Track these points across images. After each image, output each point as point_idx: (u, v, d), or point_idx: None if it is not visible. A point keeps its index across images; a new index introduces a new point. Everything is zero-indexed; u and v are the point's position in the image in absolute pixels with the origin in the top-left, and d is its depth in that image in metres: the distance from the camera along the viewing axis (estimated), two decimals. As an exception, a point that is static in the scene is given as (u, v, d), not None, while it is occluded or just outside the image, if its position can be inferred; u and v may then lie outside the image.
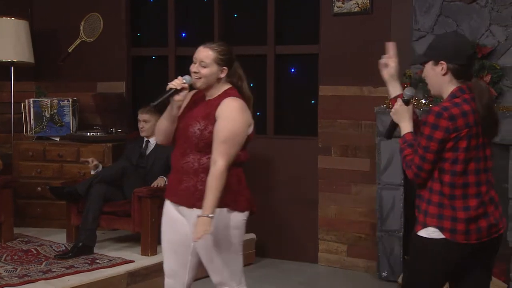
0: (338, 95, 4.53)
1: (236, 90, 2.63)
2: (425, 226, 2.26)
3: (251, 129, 2.60)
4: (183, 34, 5.30)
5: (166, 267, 2.74)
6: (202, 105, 2.62)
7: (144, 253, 4.08)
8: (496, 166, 3.72)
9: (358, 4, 4.41)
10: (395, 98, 2.42)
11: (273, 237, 4.85)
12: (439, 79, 2.28)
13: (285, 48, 4.87)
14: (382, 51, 4.54)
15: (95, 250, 4.14)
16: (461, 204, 2.22)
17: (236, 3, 5.10)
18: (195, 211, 2.50)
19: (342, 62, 4.53)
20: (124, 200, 4.25)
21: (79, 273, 3.70)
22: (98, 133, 4.93)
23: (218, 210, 2.50)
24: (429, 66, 2.31)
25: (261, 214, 4.89)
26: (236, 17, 5.13)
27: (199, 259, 2.68)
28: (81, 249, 4.05)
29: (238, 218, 2.59)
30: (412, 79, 4.15)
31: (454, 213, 2.22)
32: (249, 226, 4.82)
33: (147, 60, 5.48)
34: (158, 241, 4.15)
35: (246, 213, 2.63)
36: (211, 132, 2.51)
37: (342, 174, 4.57)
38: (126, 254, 4.11)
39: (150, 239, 4.08)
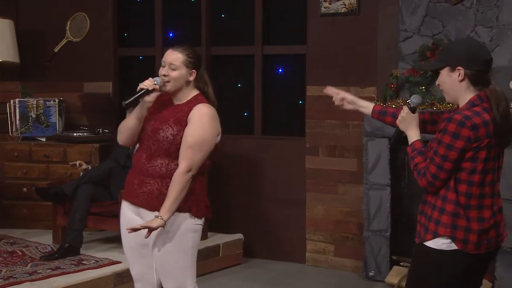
0: (326, 95, 4.52)
1: (203, 96, 2.64)
2: (435, 235, 2.19)
3: (219, 138, 2.63)
4: (170, 34, 5.28)
5: (133, 272, 2.72)
6: (171, 109, 2.59)
7: (131, 254, 4.06)
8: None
9: (345, 4, 4.43)
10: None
11: (261, 237, 4.85)
12: (456, 85, 2.20)
13: (273, 48, 4.88)
14: (370, 52, 4.58)
15: (82, 251, 4.11)
16: (475, 215, 2.18)
17: (224, 3, 5.10)
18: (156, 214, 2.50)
19: (329, 63, 4.54)
20: (111, 201, 4.22)
21: (65, 274, 3.67)
22: (85, 134, 4.91)
23: (180, 214, 2.52)
24: (445, 72, 2.23)
25: (248, 215, 4.93)
26: (224, 17, 5.13)
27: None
28: (67, 250, 4.02)
29: (198, 223, 2.61)
30: (398, 80, 4.18)
31: (468, 224, 2.17)
32: (237, 226, 4.88)
33: (134, 60, 5.46)
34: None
35: (203, 219, 2.65)
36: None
37: (329, 174, 4.58)
38: (113, 255, 4.09)
39: (137, 240, 4.06)
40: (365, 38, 4.38)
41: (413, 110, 2.31)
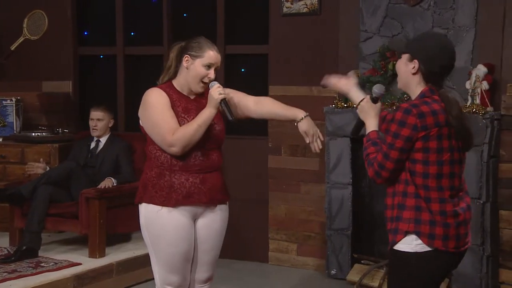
0: (288, 95, 4.56)
1: None
2: (396, 232, 2.14)
3: None
4: (132, 33, 5.23)
5: (176, 279, 2.58)
6: (201, 104, 2.57)
7: (92, 255, 4.00)
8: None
9: (306, 5, 4.46)
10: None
11: (224, 237, 4.83)
12: (409, 76, 2.18)
13: (235, 48, 4.87)
14: (331, 52, 4.62)
15: (40, 253, 4.03)
16: (437, 208, 2.11)
17: (186, 3, 5.07)
18: (221, 206, 2.65)
19: (291, 62, 4.57)
20: (71, 202, 4.15)
21: (23, 277, 3.59)
22: (43, 134, 4.81)
23: (223, 206, 2.67)
24: (404, 59, 2.20)
25: (211, 215, 4.90)
26: (186, 17, 5.10)
27: None
28: (24, 253, 3.93)
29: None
30: (359, 79, 4.23)
31: (432, 216, 2.10)
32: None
33: (95, 59, 5.38)
34: (106, 243, 4.11)
35: None
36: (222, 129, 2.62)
37: (292, 174, 4.61)
38: (73, 256, 4.02)
39: (98, 241, 4.01)
40: (327, 38, 4.42)
41: (374, 100, 2.27)
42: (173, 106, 2.56)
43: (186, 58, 2.60)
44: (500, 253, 3.83)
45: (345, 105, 4.16)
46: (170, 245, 2.54)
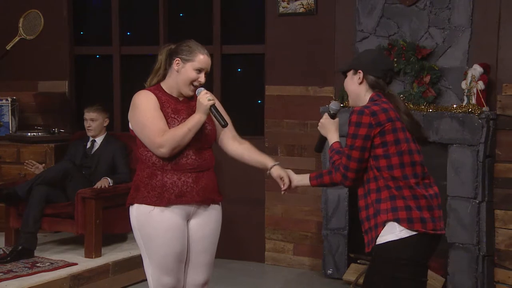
0: (284, 95, 4.57)
1: None
2: (377, 227, 2.25)
3: None
4: (128, 33, 5.22)
5: (170, 279, 2.57)
6: (190, 105, 2.60)
7: (88, 255, 4.00)
8: (435, 164, 3.88)
9: (303, 5, 4.46)
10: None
11: (220, 237, 4.81)
12: (356, 87, 2.40)
13: (231, 47, 4.87)
14: (327, 52, 4.63)
15: (36, 254, 4.02)
16: (409, 193, 2.26)
17: (182, 3, 5.07)
18: (214, 206, 2.63)
19: (288, 62, 4.57)
20: (67, 202, 4.14)
21: (18, 277, 3.58)
22: (39, 134, 4.80)
23: (216, 206, 2.65)
24: (349, 75, 2.43)
25: (208, 214, 4.90)
26: (182, 16, 5.10)
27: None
28: (20, 253, 3.92)
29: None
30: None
31: (405, 202, 2.25)
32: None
33: (91, 59, 5.37)
34: (102, 243, 4.10)
35: None
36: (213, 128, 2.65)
37: (288, 173, 4.60)
38: (69, 256, 4.01)
39: (95, 241, 4.00)
40: (323, 38, 4.42)
41: (332, 116, 2.50)
42: (162, 108, 2.56)
43: (177, 62, 2.60)
44: (495, 252, 3.84)
45: (342, 105, 4.17)
46: (163, 246, 2.53)
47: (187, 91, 2.60)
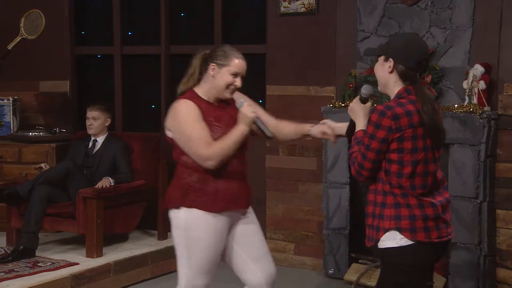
0: (285, 94, 4.57)
1: None
2: (384, 231, 2.21)
3: None
4: (129, 33, 5.22)
5: (205, 282, 2.67)
6: (227, 111, 2.65)
7: (89, 255, 4.00)
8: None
9: (304, 4, 4.46)
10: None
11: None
12: (386, 76, 2.26)
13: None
14: (329, 51, 4.62)
15: (38, 253, 4.03)
16: (415, 202, 2.19)
17: (183, 2, 5.07)
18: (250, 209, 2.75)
19: (289, 62, 4.57)
20: (69, 202, 4.15)
21: (20, 277, 3.58)
22: (40, 133, 4.81)
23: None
24: (380, 61, 2.29)
25: (209, 214, 4.90)
26: (183, 16, 5.10)
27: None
28: (22, 253, 3.92)
29: None
30: (357, 79, 4.24)
31: (411, 211, 2.18)
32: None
33: (92, 59, 5.38)
34: (104, 243, 4.10)
35: None
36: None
37: (289, 173, 4.61)
38: (70, 256, 4.02)
39: (96, 241, 4.00)
40: (324, 38, 4.42)
41: (363, 100, 2.34)
42: (204, 116, 2.58)
43: (213, 67, 2.62)
44: (497, 252, 3.83)
45: (343, 104, 4.17)
46: (206, 249, 2.60)
47: (225, 95, 2.63)
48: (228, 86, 2.61)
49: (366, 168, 2.21)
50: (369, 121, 2.20)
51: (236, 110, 2.63)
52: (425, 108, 2.18)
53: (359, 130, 2.31)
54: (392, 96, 2.27)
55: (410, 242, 2.19)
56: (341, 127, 2.60)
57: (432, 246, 2.21)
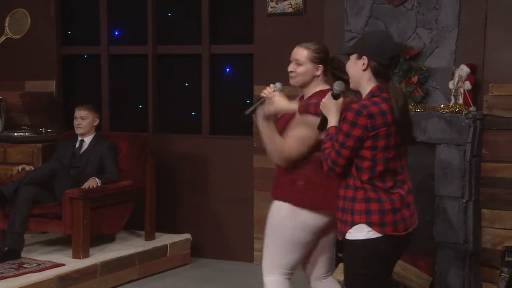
0: (273, 95, 4.56)
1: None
2: (353, 224, 2.27)
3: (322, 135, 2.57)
4: (116, 33, 5.20)
5: (294, 264, 2.80)
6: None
7: (76, 256, 3.97)
8: (423, 164, 3.90)
9: (291, 5, 4.47)
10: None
11: (209, 237, 4.83)
12: (359, 73, 2.29)
13: (220, 47, 4.87)
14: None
15: (23, 255, 3.99)
16: (385, 196, 2.26)
17: (170, 2, 5.06)
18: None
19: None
20: (55, 202, 4.12)
21: (4, 279, 3.55)
22: (26, 134, 4.77)
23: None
24: (352, 58, 2.32)
25: (196, 214, 4.90)
26: (170, 16, 5.09)
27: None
28: (7, 254, 3.88)
29: None
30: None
31: (381, 205, 2.25)
32: (184, 226, 4.84)
33: (79, 59, 5.34)
34: (90, 243, 4.08)
35: None
36: None
37: (277, 173, 4.60)
38: (56, 257, 3.99)
39: (82, 241, 3.98)
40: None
41: (335, 96, 2.37)
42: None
43: None
44: (482, 251, 3.87)
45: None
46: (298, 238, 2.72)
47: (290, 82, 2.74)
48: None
49: (339, 165, 2.26)
50: (344, 119, 2.23)
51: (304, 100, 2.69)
52: (399, 103, 2.23)
53: (332, 126, 2.35)
54: (365, 93, 2.31)
55: (377, 235, 2.25)
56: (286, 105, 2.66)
57: (398, 239, 2.28)
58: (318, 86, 2.70)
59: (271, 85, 2.72)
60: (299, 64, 2.70)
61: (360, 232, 2.27)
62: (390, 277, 2.40)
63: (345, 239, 2.31)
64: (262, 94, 2.71)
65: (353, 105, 2.24)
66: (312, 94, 2.68)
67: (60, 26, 5.21)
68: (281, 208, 2.75)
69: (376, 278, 2.29)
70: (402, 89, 2.30)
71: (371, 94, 2.27)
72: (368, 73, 2.28)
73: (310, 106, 2.55)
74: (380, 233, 2.25)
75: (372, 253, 2.26)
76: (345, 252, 2.36)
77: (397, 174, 2.29)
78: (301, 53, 2.71)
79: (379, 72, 2.26)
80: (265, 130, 2.67)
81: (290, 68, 2.73)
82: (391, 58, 2.27)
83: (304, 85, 2.72)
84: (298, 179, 2.67)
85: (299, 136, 2.59)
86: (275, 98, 2.66)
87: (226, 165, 4.80)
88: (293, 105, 2.66)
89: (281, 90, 2.71)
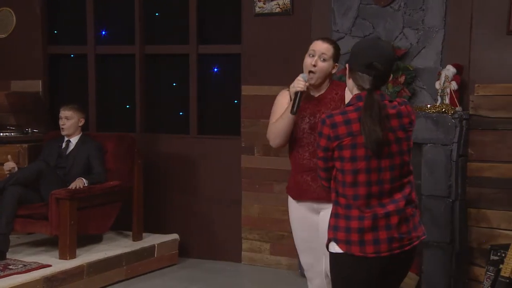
0: (261, 94, 4.57)
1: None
2: (329, 240, 2.19)
3: None
4: (103, 32, 5.17)
5: (303, 261, 2.88)
6: (318, 102, 2.68)
7: (62, 256, 3.95)
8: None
9: (279, 5, 4.48)
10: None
11: (197, 237, 4.83)
12: (348, 81, 2.24)
13: (208, 47, 4.86)
14: (304, 52, 4.62)
15: (9, 256, 3.96)
16: (356, 214, 2.13)
17: (158, 2, 5.04)
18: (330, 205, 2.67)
19: (264, 62, 4.58)
20: (41, 203, 4.09)
21: (-9, 280, 3.52)
22: (12, 134, 4.73)
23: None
24: (348, 67, 2.26)
25: (184, 214, 4.89)
26: (158, 16, 5.07)
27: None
28: (-8, 255, 3.86)
29: None
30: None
31: (347, 223, 2.13)
32: (172, 226, 4.83)
33: (65, 58, 5.31)
34: (77, 244, 4.05)
35: None
36: None
37: (265, 173, 4.62)
38: (42, 258, 3.96)
39: (69, 242, 3.95)
40: (299, 38, 4.43)
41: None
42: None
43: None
44: (468, 250, 3.90)
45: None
46: (295, 231, 2.85)
47: (309, 81, 2.66)
48: (308, 68, 2.65)
49: (321, 177, 2.24)
50: (317, 130, 2.22)
51: (318, 98, 2.69)
52: (366, 114, 2.09)
53: None
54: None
55: (341, 251, 2.15)
56: None
57: (367, 261, 2.12)
58: (328, 84, 2.70)
59: (300, 77, 2.63)
60: (324, 60, 2.63)
61: (332, 245, 2.19)
62: None
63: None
64: (298, 89, 2.59)
65: (322, 115, 2.22)
66: (330, 87, 2.69)
67: (46, 25, 5.17)
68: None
69: None
70: (378, 101, 2.12)
71: (348, 103, 2.20)
72: (351, 82, 2.21)
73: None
74: (346, 251, 2.13)
75: (340, 269, 2.17)
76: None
77: (371, 189, 2.12)
78: (328, 48, 2.64)
79: (358, 81, 2.17)
80: (285, 120, 2.66)
81: (312, 62, 2.62)
82: (366, 65, 2.13)
83: (320, 83, 2.67)
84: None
85: (271, 119, 2.73)
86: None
87: (214, 165, 4.80)
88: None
89: (307, 79, 2.66)
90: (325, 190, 2.32)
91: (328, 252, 2.23)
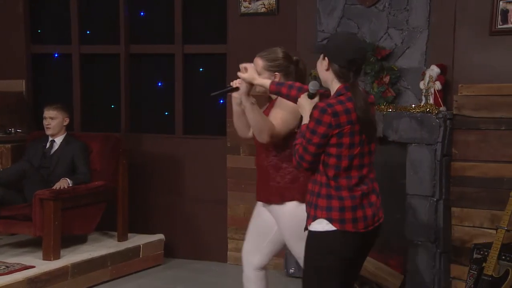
0: (246, 94, 4.57)
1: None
2: (315, 219, 2.33)
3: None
4: (88, 32, 5.14)
5: (245, 244, 3.01)
6: (270, 107, 2.86)
7: (46, 257, 3.92)
8: (395, 163, 3.95)
9: (264, 5, 4.48)
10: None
11: (182, 237, 4.81)
12: (324, 73, 2.35)
13: (193, 47, 4.85)
14: (289, 51, 4.63)
15: (-9, 257, 3.92)
16: (347, 194, 2.30)
17: (143, 1, 5.02)
18: (275, 207, 2.81)
19: (250, 62, 4.55)
20: (24, 204, 4.05)
21: (-27, 281, 3.48)
22: (-5, 134, 4.68)
23: (287, 203, 2.75)
24: (320, 58, 2.37)
25: (169, 214, 4.88)
26: (143, 16, 5.05)
27: (275, 249, 2.97)
28: (-25, 256, 3.81)
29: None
30: (318, 79, 4.27)
31: (341, 203, 2.30)
32: (158, 226, 4.82)
33: (49, 58, 5.27)
34: (61, 245, 4.02)
35: None
36: None
37: (250, 173, 4.59)
38: (26, 259, 3.92)
39: (53, 243, 3.92)
40: (285, 38, 4.43)
41: (310, 96, 2.43)
42: None
43: None
44: (451, 249, 3.93)
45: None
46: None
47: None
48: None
49: (306, 160, 2.32)
50: (311, 117, 2.29)
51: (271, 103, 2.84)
52: (358, 104, 2.28)
53: (303, 124, 2.40)
54: (332, 92, 2.36)
55: (334, 228, 2.30)
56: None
57: (357, 235, 2.32)
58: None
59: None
60: (258, 73, 2.78)
61: (319, 224, 2.32)
62: (353, 281, 2.44)
63: (307, 231, 2.37)
64: (231, 83, 2.78)
65: (318, 103, 2.31)
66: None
67: (29, 24, 5.12)
68: None
69: (330, 273, 2.32)
70: (362, 92, 2.34)
71: (338, 92, 2.32)
72: (330, 74, 2.33)
73: (283, 87, 2.61)
74: (340, 229, 2.30)
75: (329, 246, 2.31)
76: (306, 243, 2.39)
77: (362, 171, 2.33)
78: (257, 63, 2.84)
79: (339, 74, 2.30)
80: (250, 111, 2.70)
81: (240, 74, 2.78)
82: (349, 61, 2.28)
83: (267, 93, 2.78)
84: None
85: (284, 117, 2.70)
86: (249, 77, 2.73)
87: (200, 165, 4.79)
88: (266, 80, 2.72)
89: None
90: (303, 170, 2.40)
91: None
